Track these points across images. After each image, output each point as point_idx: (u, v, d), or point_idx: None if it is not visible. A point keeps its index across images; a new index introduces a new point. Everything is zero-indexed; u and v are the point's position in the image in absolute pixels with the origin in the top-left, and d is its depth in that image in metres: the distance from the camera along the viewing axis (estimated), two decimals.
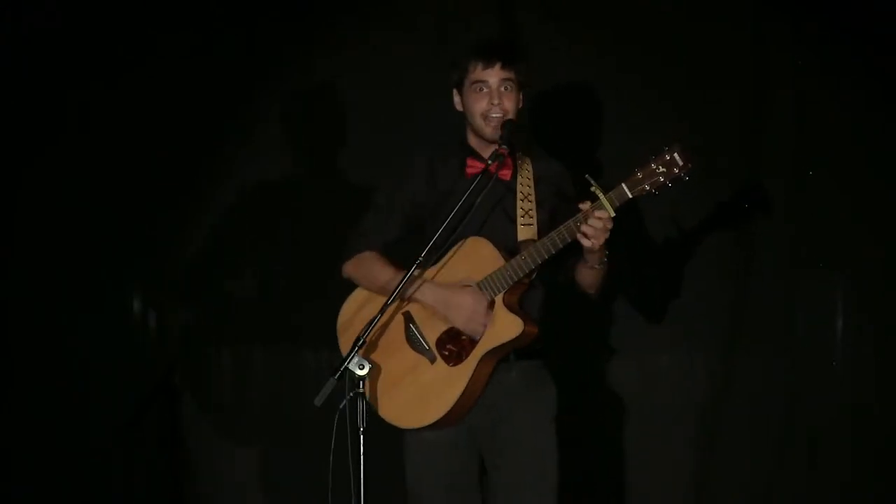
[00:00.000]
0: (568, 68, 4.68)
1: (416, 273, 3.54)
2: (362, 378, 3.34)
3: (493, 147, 3.60)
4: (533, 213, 3.60)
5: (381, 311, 3.46)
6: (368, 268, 3.68)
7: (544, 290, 3.68)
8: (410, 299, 3.61)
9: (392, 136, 4.81)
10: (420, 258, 3.45)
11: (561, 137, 4.58)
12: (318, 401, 3.31)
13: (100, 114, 4.99)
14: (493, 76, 3.57)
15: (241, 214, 5.02)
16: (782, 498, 4.57)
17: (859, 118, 4.47)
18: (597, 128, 4.68)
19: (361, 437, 3.34)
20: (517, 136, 3.60)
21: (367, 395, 3.53)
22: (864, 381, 4.49)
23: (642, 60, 4.65)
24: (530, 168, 3.67)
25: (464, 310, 3.54)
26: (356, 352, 3.35)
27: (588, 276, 3.61)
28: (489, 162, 3.53)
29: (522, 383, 3.62)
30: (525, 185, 3.64)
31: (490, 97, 3.58)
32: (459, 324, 3.55)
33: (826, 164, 4.51)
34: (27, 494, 4.99)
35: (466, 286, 3.56)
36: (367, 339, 3.47)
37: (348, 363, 3.33)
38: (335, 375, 3.32)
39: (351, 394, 3.37)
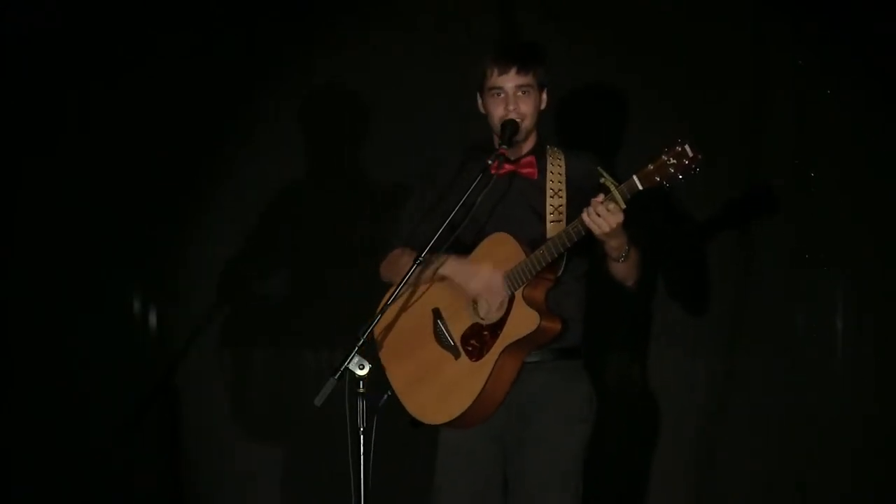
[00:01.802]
0: (568, 68, 4.68)
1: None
2: (362, 378, 3.34)
3: (523, 147, 3.66)
4: (563, 209, 3.62)
5: (382, 311, 3.47)
6: (399, 263, 3.70)
7: (584, 288, 3.69)
8: (434, 277, 3.63)
9: (393, 137, 4.82)
10: (420, 258, 3.46)
11: (560, 137, 4.58)
12: (319, 401, 3.30)
13: (100, 114, 4.99)
14: (509, 82, 3.59)
15: (242, 215, 5.02)
16: (782, 498, 4.57)
17: (859, 118, 4.47)
18: (597, 128, 4.68)
19: (361, 437, 3.34)
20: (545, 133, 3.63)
21: (395, 388, 3.62)
22: (865, 381, 4.49)
23: (642, 60, 4.65)
24: (563, 165, 3.69)
25: (481, 278, 3.56)
26: (356, 352, 3.35)
27: (616, 269, 3.63)
28: (489, 162, 3.54)
29: (551, 383, 3.63)
30: (556, 182, 3.66)
31: (506, 103, 3.60)
32: (476, 290, 3.57)
33: (826, 164, 4.51)
34: (27, 494, 4.99)
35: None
36: (394, 333, 3.55)
37: (348, 363, 3.33)
38: (335, 375, 3.32)
39: (389, 392, 3.50)
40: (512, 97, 3.59)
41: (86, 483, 5.00)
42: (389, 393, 3.55)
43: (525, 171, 3.67)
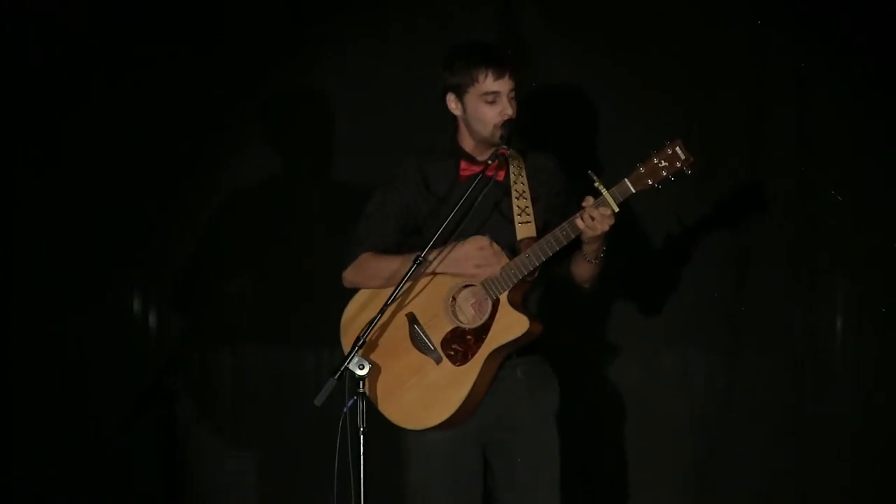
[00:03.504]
0: (568, 69, 4.68)
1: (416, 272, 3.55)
2: (362, 378, 3.34)
3: (486, 150, 3.62)
4: (530, 210, 3.62)
5: (382, 311, 3.46)
6: (371, 266, 3.66)
7: (542, 287, 3.69)
8: (425, 275, 3.60)
9: (389, 137, 4.81)
10: (420, 258, 3.45)
11: (561, 137, 4.58)
12: (318, 401, 3.31)
13: (98, 114, 4.99)
14: (504, 86, 3.58)
15: (241, 215, 5.02)
16: (782, 497, 4.57)
17: (859, 118, 4.47)
18: (597, 128, 4.68)
19: (361, 437, 3.33)
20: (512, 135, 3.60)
21: (371, 397, 3.57)
22: (865, 381, 4.49)
23: (642, 61, 4.65)
24: (523, 166, 3.68)
25: (471, 258, 3.54)
26: (356, 352, 3.35)
27: (584, 269, 3.63)
28: (489, 163, 3.53)
29: (526, 380, 3.63)
30: (520, 182, 3.65)
31: (503, 107, 3.57)
32: (472, 272, 3.54)
33: (826, 164, 4.51)
34: (26, 494, 4.99)
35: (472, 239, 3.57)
36: (368, 340, 3.48)
37: (348, 363, 3.33)
38: (335, 375, 3.32)
39: (354, 398, 3.40)
40: (506, 101, 3.58)
41: (85, 482, 5.00)
42: (355, 398, 3.44)
43: (492, 172, 3.62)
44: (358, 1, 4.95)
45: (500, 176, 3.65)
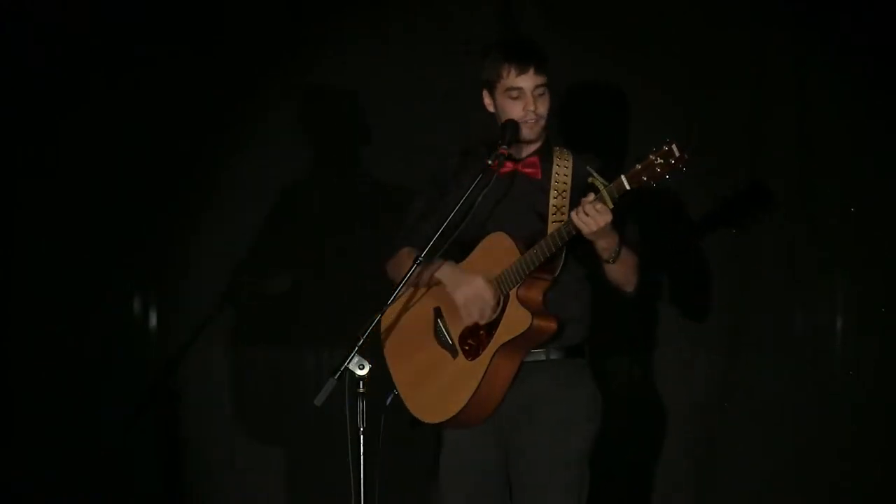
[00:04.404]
0: (568, 69, 4.67)
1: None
2: (362, 378, 3.35)
3: (528, 147, 3.64)
4: (566, 209, 3.60)
5: (383, 311, 3.46)
6: (403, 263, 3.68)
7: (588, 289, 3.69)
8: (431, 281, 3.64)
9: (389, 137, 4.82)
10: (420, 258, 3.46)
11: (561, 136, 4.58)
12: (318, 401, 3.31)
13: (98, 114, 4.99)
14: (528, 81, 3.58)
15: (241, 214, 5.02)
16: (782, 497, 4.57)
17: (860, 118, 4.47)
18: (597, 128, 4.68)
19: (361, 437, 3.34)
20: (552, 134, 3.64)
21: (398, 389, 3.65)
22: (865, 382, 4.49)
23: (642, 61, 4.65)
24: (570, 166, 3.68)
25: (469, 288, 3.55)
26: (356, 352, 3.36)
27: (610, 271, 3.61)
28: (489, 162, 3.54)
29: (553, 383, 3.62)
30: (561, 181, 3.65)
31: (526, 103, 3.59)
32: (460, 300, 3.56)
33: (826, 164, 4.51)
34: (27, 493, 4.99)
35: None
36: (396, 334, 3.58)
37: (348, 363, 3.33)
38: (335, 375, 3.32)
39: (395, 391, 3.57)
40: (531, 98, 3.59)
41: (86, 482, 5.00)
42: (395, 392, 3.57)
43: (528, 170, 3.67)
44: (358, 1, 4.95)
45: (537, 174, 3.66)
